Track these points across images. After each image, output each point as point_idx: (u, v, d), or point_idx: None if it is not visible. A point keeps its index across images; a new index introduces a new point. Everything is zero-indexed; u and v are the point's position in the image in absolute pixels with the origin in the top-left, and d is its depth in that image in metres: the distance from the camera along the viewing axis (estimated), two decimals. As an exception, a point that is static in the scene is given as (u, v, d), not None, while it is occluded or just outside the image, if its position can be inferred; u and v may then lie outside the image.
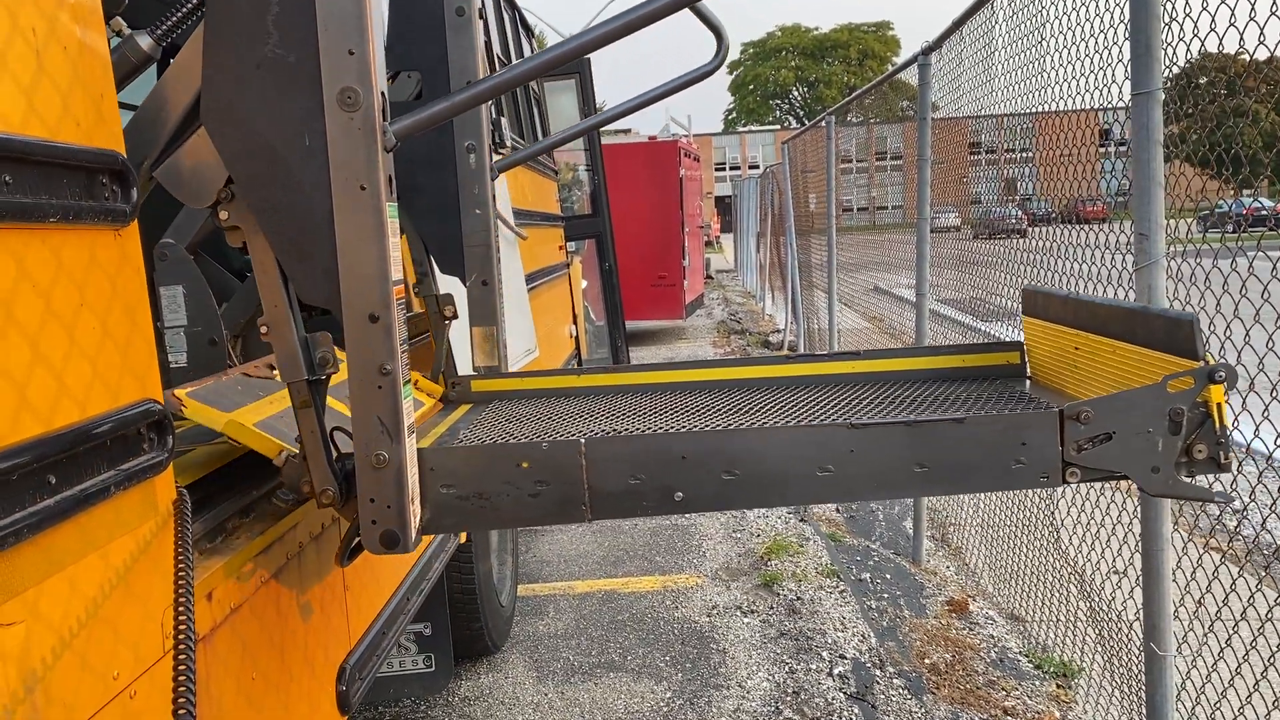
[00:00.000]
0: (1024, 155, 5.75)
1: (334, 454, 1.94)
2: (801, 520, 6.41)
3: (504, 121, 4.97)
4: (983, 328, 5.47)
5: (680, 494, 1.93)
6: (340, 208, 1.76)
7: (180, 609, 1.54)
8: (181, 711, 1.43)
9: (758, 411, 2.31)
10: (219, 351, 2.63)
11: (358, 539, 1.88)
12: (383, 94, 1.78)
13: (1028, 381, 2.51)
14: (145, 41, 2.00)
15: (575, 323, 8.31)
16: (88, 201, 1.48)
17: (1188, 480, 1.84)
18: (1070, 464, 1.85)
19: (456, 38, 2.64)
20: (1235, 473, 2.03)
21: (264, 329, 1.92)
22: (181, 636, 1.50)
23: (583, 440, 1.94)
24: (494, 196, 2.81)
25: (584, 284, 9.33)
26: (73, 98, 1.48)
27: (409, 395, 1.87)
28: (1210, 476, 1.88)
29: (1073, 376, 2.26)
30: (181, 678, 1.46)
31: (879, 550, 5.98)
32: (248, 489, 2.15)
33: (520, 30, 7.46)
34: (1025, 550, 4.72)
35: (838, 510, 6.69)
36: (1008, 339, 5.48)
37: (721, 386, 2.65)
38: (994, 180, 6.28)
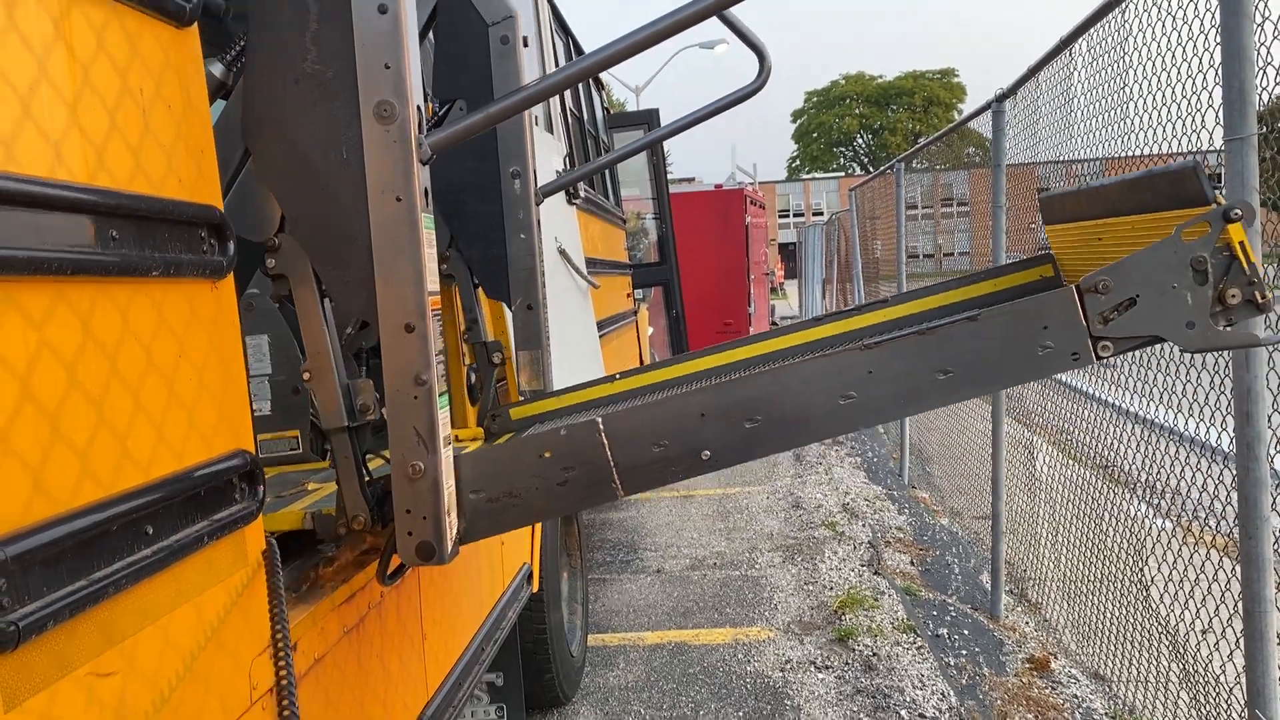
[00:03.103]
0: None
1: (366, 478, 1.96)
2: (875, 573, 6.28)
3: (578, 172, 5.02)
4: (1061, 375, 5.34)
5: (707, 452, 1.91)
6: (376, 219, 1.78)
7: (280, 664, 1.54)
8: None
9: None
10: (302, 400, 2.67)
11: (400, 560, 1.88)
12: (418, 107, 1.81)
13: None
14: (217, 69, 2.04)
15: (642, 370, 8.29)
16: (188, 255, 1.51)
17: (1227, 330, 1.77)
18: (1099, 338, 1.81)
19: (501, 65, 2.68)
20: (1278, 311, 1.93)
21: (306, 375, 1.94)
22: (284, 691, 1.50)
23: (599, 418, 1.93)
24: (538, 222, 2.84)
25: (650, 330, 9.34)
26: (175, 154, 1.52)
27: (445, 406, 1.88)
28: (1251, 326, 1.81)
29: (1102, 266, 2.20)
30: None
31: (956, 605, 5.82)
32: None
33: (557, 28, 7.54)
34: (1110, 606, 4.55)
35: (912, 563, 6.54)
36: (1081, 387, 5.35)
37: (758, 362, 2.60)
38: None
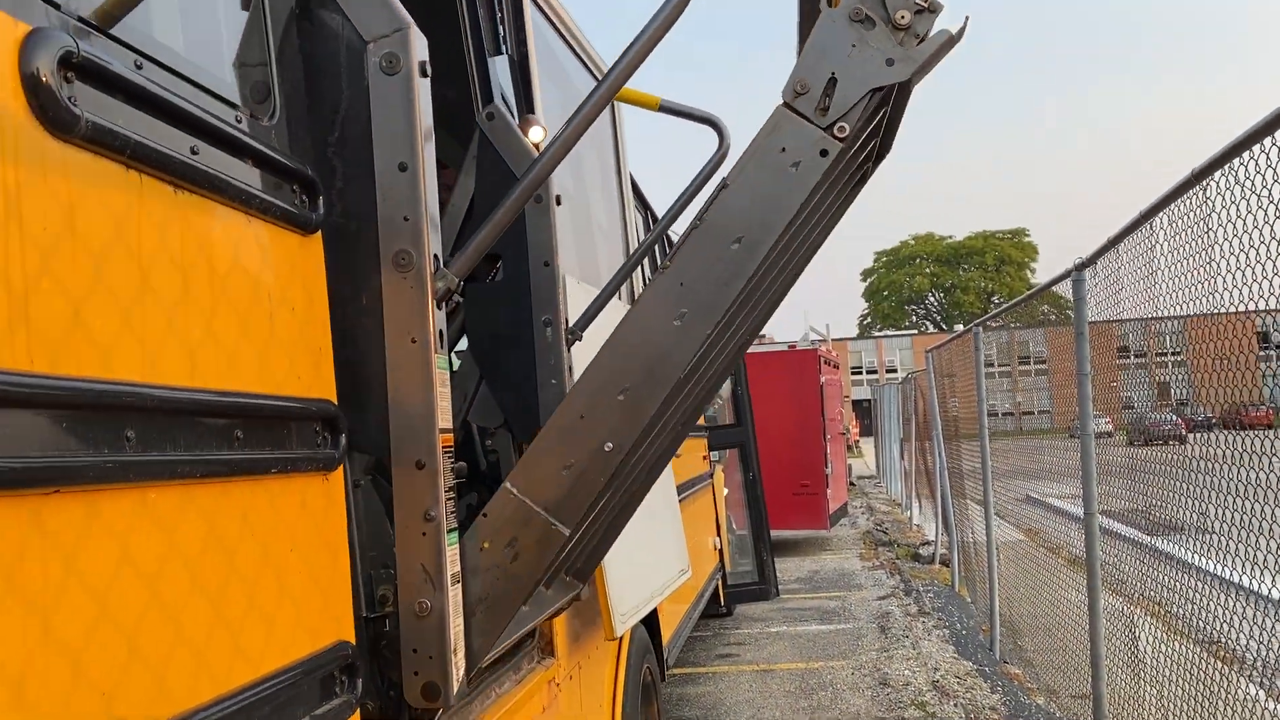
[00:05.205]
0: (1175, 360, 5.54)
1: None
2: (969, 757, 5.93)
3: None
4: (1161, 546, 5.13)
5: (609, 444, 1.96)
6: (392, 360, 1.86)
7: None
8: None
9: None
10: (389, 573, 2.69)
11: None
12: (435, 256, 1.90)
13: None
14: None
15: (719, 534, 8.20)
16: (303, 450, 1.57)
17: (923, 44, 1.89)
18: (829, 126, 1.92)
19: (534, 220, 2.80)
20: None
21: None
22: None
23: (506, 482, 1.99)
24: (569, 368, 2.90)
25: (725, 492, 9.26)
26: (296, 354, 1.60)
27: (454, 543, 1.89)
28: (937, 26, 1.90)
29: None
30: None
31: (1059, 795, 5.44)
32: None
33: (638, 203, 7.75)
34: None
35: (1008, 746, 6.17)
36: (1184, 556, 5.11)
37: None
38: (1146, 385, 6.05)
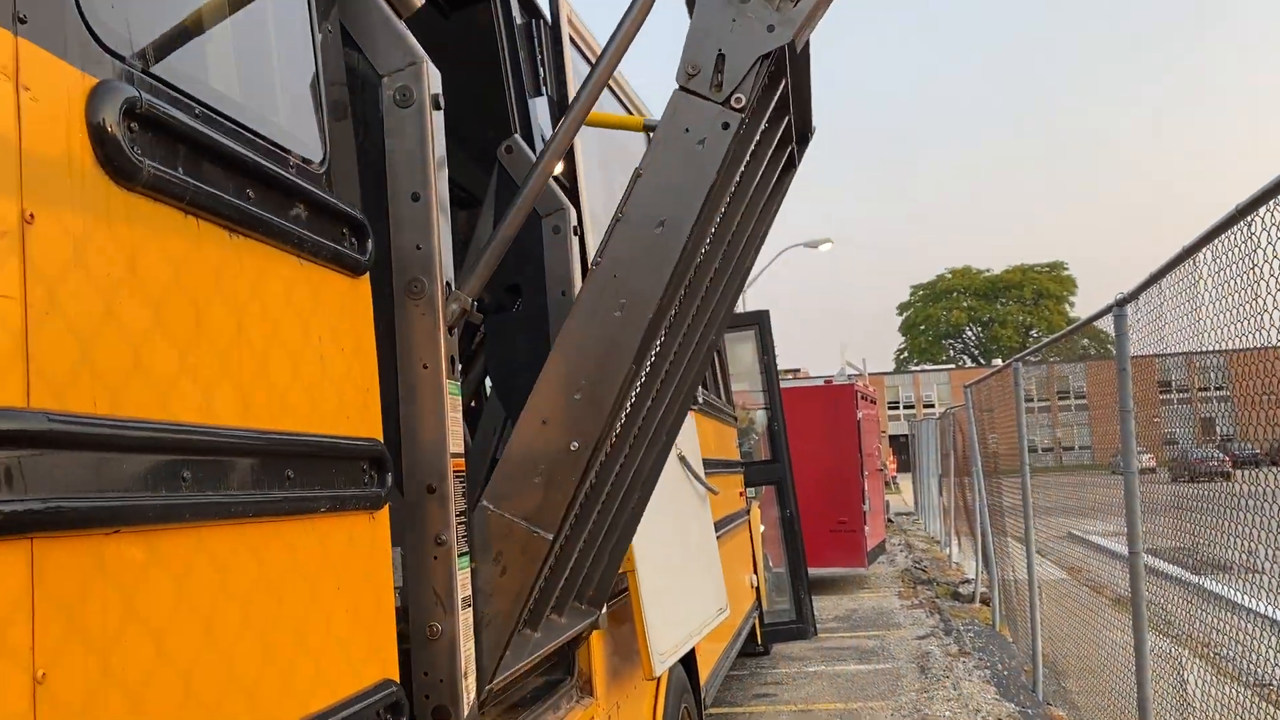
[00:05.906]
0: (1220, 395, 5.46)
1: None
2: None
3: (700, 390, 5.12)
4: (1208, 585, 5.02)
5: (574, 443, 2.00)
6: (404, 385, 1.90)
7: None
8: None
9: None
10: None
11: None
12: (448, 284, 1.94)
13: None
14: None
15: (755, 571, 8.14)
16: (351, 490, 1.59)
17: (799, 5, 1.95)
18: (726, 100, 1.98)
19: (553, 251, 2.83)
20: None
21: None
22: None
23: (482, 500, 2.01)
24: None
25: (761, 529, 9.19)
26: (345, 394, 1.62)
27: (464, 567, 1.90)
28: None
29: None
30: None
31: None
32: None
33: None
34: None
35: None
36: (1234, 598, 5.00)
37: None
38: (1189, 420, 5.95)
